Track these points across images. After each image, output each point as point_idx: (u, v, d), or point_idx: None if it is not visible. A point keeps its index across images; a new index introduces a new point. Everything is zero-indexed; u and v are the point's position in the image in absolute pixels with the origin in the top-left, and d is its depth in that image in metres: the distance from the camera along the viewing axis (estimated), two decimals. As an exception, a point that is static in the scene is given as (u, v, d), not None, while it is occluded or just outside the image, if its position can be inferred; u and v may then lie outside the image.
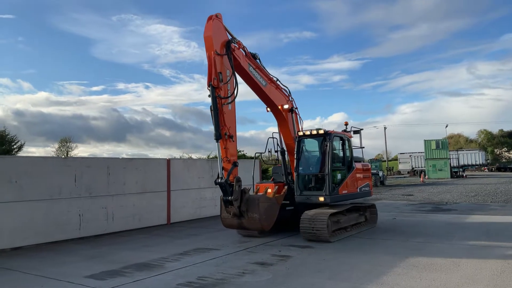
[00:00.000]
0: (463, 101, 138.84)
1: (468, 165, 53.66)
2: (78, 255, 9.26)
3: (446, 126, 70.00)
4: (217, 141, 8.94)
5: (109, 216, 12.25)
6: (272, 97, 11.10)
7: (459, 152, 55.08)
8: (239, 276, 6.91)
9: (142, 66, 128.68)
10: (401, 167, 65.59)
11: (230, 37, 9.87)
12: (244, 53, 10.41)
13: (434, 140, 49.48)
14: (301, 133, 11.21)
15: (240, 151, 12.25)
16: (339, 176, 10.82)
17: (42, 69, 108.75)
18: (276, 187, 10.77)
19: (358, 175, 11.52)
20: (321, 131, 10.70)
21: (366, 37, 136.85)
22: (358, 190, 11.52)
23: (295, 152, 11.10)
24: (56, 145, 56.41)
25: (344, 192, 10.75)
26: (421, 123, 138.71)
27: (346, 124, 12.21)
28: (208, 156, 25.86)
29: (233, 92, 9.48)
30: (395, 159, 79.08)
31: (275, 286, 6.27)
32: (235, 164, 9.17)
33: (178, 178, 14.64)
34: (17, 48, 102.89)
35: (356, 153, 12.16)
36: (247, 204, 9.27)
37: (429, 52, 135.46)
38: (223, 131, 9.06)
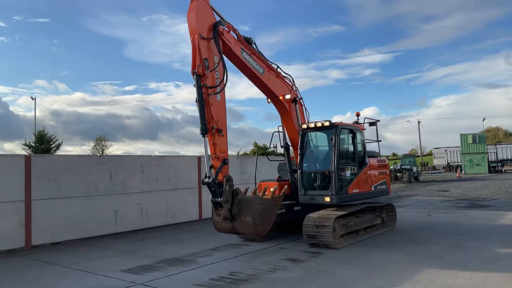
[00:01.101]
0: (501, 93, 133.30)
1: (507, 160, 51.31)
2: (114, 250, 9.56)
3: (484, 119, 67.44)
4: (203, 136, 8.07)
5: (143, 212, 12.56)
6: (272, 86, 10.05)
7: (497, 146, 52.81)
8: (270, 272, 6.94)
9: (172, 65, 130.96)
10: (436, 162, 63.71)
11: (218, 19, 8.89)
12: (235, 36, 9.33)
13: (471, 134, 47.78)
14: (304, 126, 10.08)
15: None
16: (348, 173, 9.66)
17: (76, 70, 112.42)
18: (277, 186, 9.57)
19: (372, 172, 10.35)
20: (327, 123, 9.57)
21: (398, 29, 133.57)
22: (373, 189, 10.33)
23: (298, 147, 10.15)
24: (92, 144, 58.42)
25: (354, 191, 9.63)
26: (457, 116, 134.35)
27: (358, 115, 10.96)
28: (238, 153, 26.09)
29: (222, 80, 8.51)
30: (430, 154, 76.92)
31: (307, 283, 6.25)
32: (225, 162, 8.29)
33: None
34: (52, 50, 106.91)
35: (373, 148, 11.22)
36: (239, 206, 8.19)
37: (465, 43, 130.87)
38: (210, 124, 8.16)
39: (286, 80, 10.64)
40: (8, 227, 9.70)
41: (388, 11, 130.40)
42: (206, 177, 8.20)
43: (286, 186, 9.69)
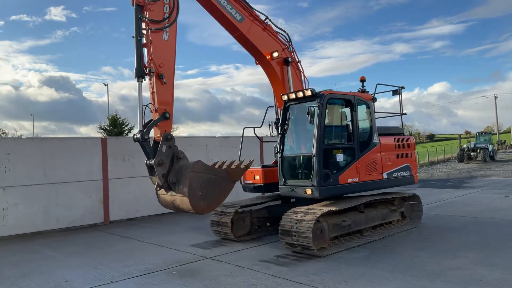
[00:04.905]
0: None
1: None
2: (183, 226, 10.07)
3: None
4: (137, 80, 6.51)
5: (209, 191, 13.03)
6: (254, 40, 8.14)
7: None
8: (336, 252, 6.92)
9: (231, 48, 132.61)
10: (515, 140, 58.96)
11: None
12: None
13: (557, 108, 43.45)
14: (285, 97, 8.00)
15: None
16: (340, 157, 7.60)
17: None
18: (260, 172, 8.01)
19: (385, 155, 8.23)
20: (308, 92, 7.49)
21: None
22: (385, 176, 8.22)
23: (279, 125, 8.29)
24: (160, 126, 61.23)
25: (351, 180, 7.57)
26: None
27: (363, 80, 8.74)
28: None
29: (170, 14, 6.79)
30: (508, 131, 71.36)
31: (372, 264, 6.16)
32: (164, 116, 6.54)
33: (270, 154, 14.93)
34: (119, 38, 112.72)
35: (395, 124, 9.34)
36: (179, 173, 6.45)
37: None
38: (149, 67, 6.55)
39: (278, 37, 8.66)
40: (90, 204, 10.59)
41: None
42: (138, 132, 6.55)
43: (252, 159, 7.99)
